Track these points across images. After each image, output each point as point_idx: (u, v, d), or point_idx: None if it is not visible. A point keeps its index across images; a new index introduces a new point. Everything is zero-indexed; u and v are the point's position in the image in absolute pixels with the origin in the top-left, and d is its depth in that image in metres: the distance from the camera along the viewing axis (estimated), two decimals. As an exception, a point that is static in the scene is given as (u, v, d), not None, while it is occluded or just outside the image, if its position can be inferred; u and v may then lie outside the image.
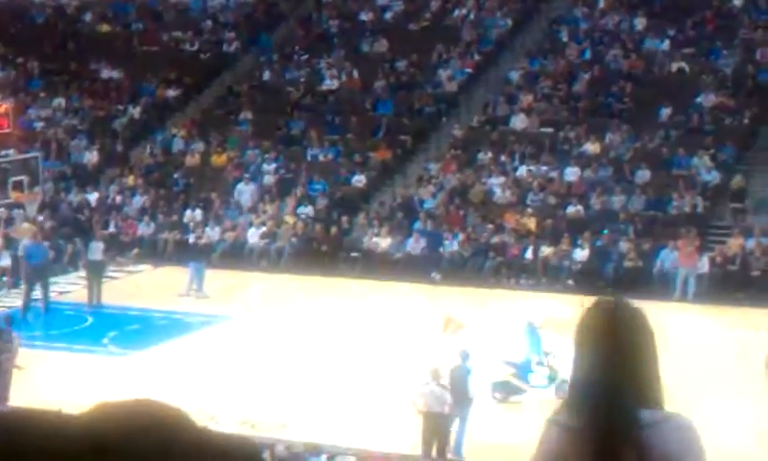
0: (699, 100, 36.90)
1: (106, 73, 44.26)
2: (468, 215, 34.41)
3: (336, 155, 38.20)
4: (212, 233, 34.94)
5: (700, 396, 21.24)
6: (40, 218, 34.59)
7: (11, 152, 35.76)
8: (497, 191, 35.13)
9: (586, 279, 31.36)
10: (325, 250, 34.15)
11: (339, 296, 30.51)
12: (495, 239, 33.12)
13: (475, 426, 20.61)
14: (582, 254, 32.05)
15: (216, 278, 31.15)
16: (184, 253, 33.48)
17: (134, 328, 27.91)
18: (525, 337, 22.91)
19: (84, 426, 1.27)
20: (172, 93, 42.96)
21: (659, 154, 35.40)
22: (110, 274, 32.10)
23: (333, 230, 34.68)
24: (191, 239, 31.18)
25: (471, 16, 43.15)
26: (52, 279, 30.50)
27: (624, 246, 31.96)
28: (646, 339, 3.26)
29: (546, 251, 32.32)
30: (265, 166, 37.86)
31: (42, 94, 43.38)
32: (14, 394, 21.42)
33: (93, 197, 37.84)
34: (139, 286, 32.24)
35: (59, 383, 22.79)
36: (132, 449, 1.22)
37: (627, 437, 3.08)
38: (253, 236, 34.83)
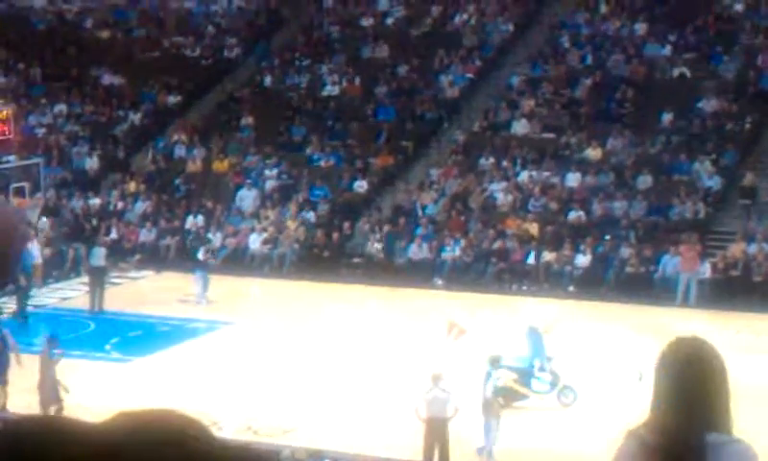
0: (700, 105, 36.90)
1: (107, 79, 44.28)
2: (469, 221, 34.41)
3: (337, 160, 38.19)
4: (214, 240, 34.93)
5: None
6: (44, 221, 34.50)
7: (12, 158, 35.82)
8: (499, 197, 35.12)
9: (587, 285, 31.37)
10: (327, 255, 34.15)
11: (341, 301, 30.50)
12: (497, 245, 33.11)
13: (477, 432, 20.60)
14: (583, 259, 32.04)
15: (218, 284, 31.11)
16: (189, 261, 33.37)
17: (137, 334, 27.91)
18: (527, 343, 22.89)
19: (104, 436, 1.26)
20: (173, 99, 42.97)
21: (660, 159, 35.39)
22: (112, 280, 32.09)
23: (335, 235, 34.69)
24: (200, 255, 31.14)
25: (473, 22, 43.15)
26: (56, 285, 30.58)
27: (626, 251, 31.95)
28: (721, 374, 3.65)
29: (548, 256, 32.31)
30: (266, 172, 37.86)
31: (44, 100, 43.39)
32: (17, 399, 21.42)
33: (95, 203, 37.84)
34: (141, 292, 32.23)
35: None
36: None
37: (694, 457, 3.51)
38: (255, 242, 34.83)
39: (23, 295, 29.09)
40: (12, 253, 1.29)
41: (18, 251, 1.28)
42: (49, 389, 20.98)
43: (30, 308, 29.26)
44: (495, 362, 20.13)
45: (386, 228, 34.29)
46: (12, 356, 21.78)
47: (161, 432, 1.24)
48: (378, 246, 33.73)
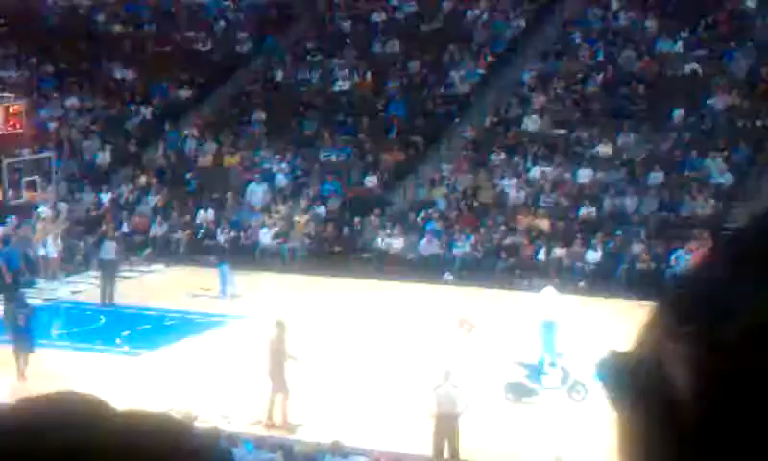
0: (712, 102, 36.83)
1: (118, 73, 44.33)
2: (480, 216, 34.39)
3: (348, 155, 38.20)
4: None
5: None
6: (62, 210, 34.59)
7: (24, 152, 35.86)
8: (510, 192, 35.10)
9: (598, 281, 31.34)
10: (338, 250, 34.16)
11: (351, 296, 30.51)
12: (508, 240, 33.10)
13: (488, 428, 20.62)
14: (594, 255, 32.01)
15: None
16: (211, 254, 33.42)
17: (147, 328, 27.96)
18: (538, 338, 22.88)
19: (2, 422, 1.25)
20: (184, 93, 43.01)
21: (671, 155, 35.33)
22: (123, 273, 32.15)
23: (345, 230, 34.70)
24: (221, 240, 31.42)
25: (484, 17, 43.11)
26: (68, 279, 30.73)
27: (637, 248, 31.91)
28: None
29: (559, 252, 32.28)
30: (277, 167, 37.87)
31: (55, 94, 43.46)
32: (23, 393, 21.47)
33: (106, 197, 37.92)
34: (152, 286, 32.27)
35: (71, 383, 22.80)
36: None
37: None
38: (266, 237, 34.86)
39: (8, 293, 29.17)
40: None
41: None
42: None
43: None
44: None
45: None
46: None
47: (57, 415, 1.23)
48: (390, 240, 33.69)
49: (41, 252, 32.75)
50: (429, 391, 19.61)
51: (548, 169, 35.63)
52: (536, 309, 23.87)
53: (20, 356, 24.07)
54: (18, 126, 36.52)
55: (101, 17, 47.76)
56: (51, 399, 1.27)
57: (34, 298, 29.63)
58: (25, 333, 24.22)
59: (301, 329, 27.11)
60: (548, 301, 24.08)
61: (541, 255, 32.38)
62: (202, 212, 36.29)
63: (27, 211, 34.49)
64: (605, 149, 35.87)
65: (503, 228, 33.55)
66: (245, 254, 34.21)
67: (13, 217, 34.40)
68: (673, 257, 31.10)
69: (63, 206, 36.04)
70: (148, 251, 34.94)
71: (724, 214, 33.20)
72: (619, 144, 36.07)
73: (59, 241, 33.30)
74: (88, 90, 43.56)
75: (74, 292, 31.54)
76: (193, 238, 35.54)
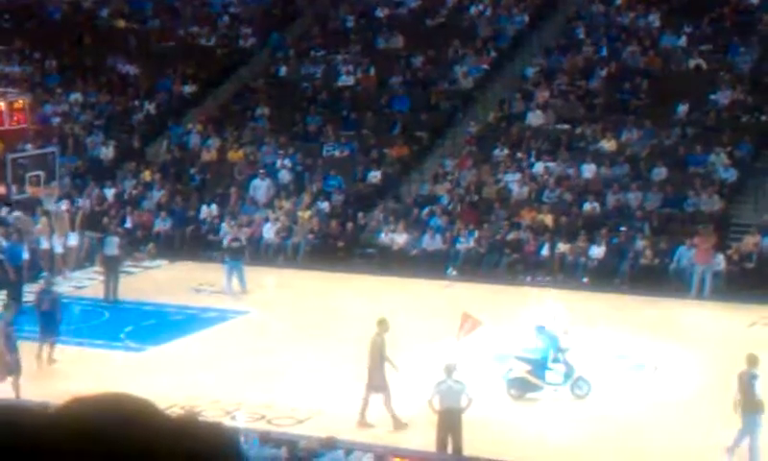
0: (716, 97, 36.80)
1: (122, 68, 44.36)
2: (484, 212, 34.38)
3: (352, 151, 38.20)
4: (227, 230, 34.97)
5: (718, 391, 21.20)
6: (64, 208, 34.59)
7: (28, 147, 35.88)
8: (513, 188, 35.09)
9: (602, 277, 31.33)
10: (341, 246, 34.18)
11: (354, 292, 30.51)
12: (511, 236, 33.09)
13: (491, 423, 20.63)
14: (598, 251, 32.00)
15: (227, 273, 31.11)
16: (215, 251, 33.38)
17: (151, 323, 27.97)
18: (541, 334, 22.86)
19: (55, 422, 1.26)
20: (188, 89, 43.04)
21: (675, 151, 35.30)
22: (127, 269, 32.17)
23: (349, 226, 34.70)
24: (225, 242, 31.46)
25: (488, 13, 43.10)
26: (70, 275, 30.76)
27: (640, 243, 31.89)
28: None
29: (562, 247, 32.27)
30: (281, 162, 37.88)
31: (59, 90, 43.50)
32: (30, 387, 21.51)
33: (110, 192, 37.94)
34: (156, 281, 32.29)
35: (75, 378, 22.84)
36: (106, 443, 1.20)
37: None
38: (269, 232, 34.87)
39: (13, 289, 29.21)
40: None
41: None
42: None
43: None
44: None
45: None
46: None
47: (114, 416, 1.23)
48: (393, 236, 33.69)
49: (44, 245, 32.72)
50: (432, 386, 19.61)
51: (552, 164, 35.62)
52: (534, 311, 23.91)
53: (44, 343, 24.19)
54: (22, 121, 36.58)
55: (105, 12, 47.79)
56: (103, 399, 1.28)
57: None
58: (48, 319, 24.34)
59: (305, 325, 27.15)
60: (547, 303, 24.18)
61: (545, 251, 32.37)
62: (205, 207, 36.31)
63: (31, 207, 34.50)
64: (609, 144, 35.86)
65: (507, 223, 33.54)
66: (248, 250, 34.21)
67: (5, 209, 34.45)
68: (677, 253, 31.11)
69: (82, 202, 36.14)
70: (151, 246, 34.93)
71: (728, 210, 33.20)
72: (623, 139, 36.05)
73: (74, 235, 33.34)
74: (92, 86, 43.59)
75: (78, 288, 31.53)
76: (197, 234, 35.56)
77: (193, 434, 1.21)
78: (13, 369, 22.05)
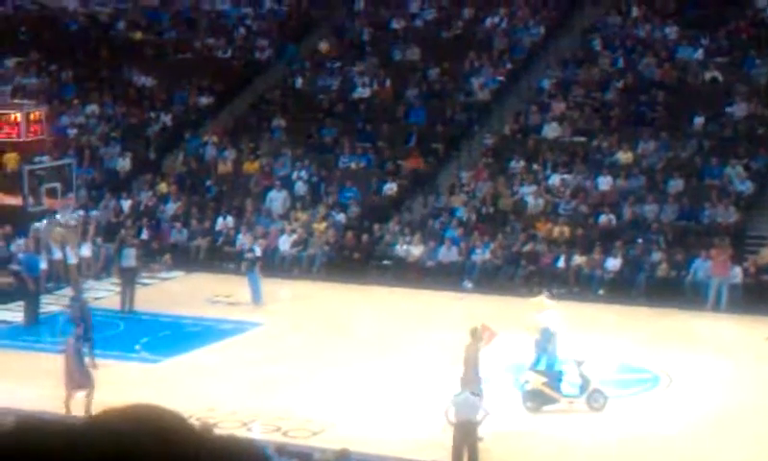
0: (732, 109, 36.73)
1: (139, 80, 44.46)
2: (499, 224, 34.35)
3: (368, 163, 38.21)
4: (244, 241, 35.02)
5: (737, 404, 21.13)
6: (75, 219, 34.68)
7: (44, 158, 35.98)
8: (529, 200, 35.06)
9: (618, 289, 31.27)
10: (357, 258, 34.17)
11: (370, 304, 30.51)
12: (527, 248, 33.06)
13: (507, 435, 20.58)
14: (614, 263, 31.93)
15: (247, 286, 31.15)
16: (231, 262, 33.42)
17: (167, 335, 28.01)
18: (557, 346, 22.83)
19: (87, 433, 1.25)
20: (204, 100, 43.11)
21: (691, 163, 35.24)
22: (143, 280, 32.22)
23: (365, 237, 34.70)
24: (246, 255, 31.60)
25: (504, 25, 43.09)
26: (87, 285, 30.80)
27: (656, 256, 31.84)
28: None
29: (578, 260, 32.22)
30: (296, 174, 37.91)
31: (76, 101, 43.60)
32: (45, 399, 21.54)
33: (126, 204, 38.02)
34: (172, 293, 32.34)
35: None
36: (134, 456, 1.20)
37: None
38: (285, 244, 34.89)
39: (31, 299, 29.31)
40: None
41: None
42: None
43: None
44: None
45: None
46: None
47: (145, 428, 1.23)
48: (409, 248, 33.66)
49: (57, 255, 32.80)
50: (449, 399, 19.59)
51: (568, 176, 35.58)
52: (531, 318, 23.91)
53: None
54: (39, 133, 36.68)
55: (121, 24, 47.93)
56: (135, 411, 1.28)
57: (52, 304, 29.84)
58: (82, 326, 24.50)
59: (320, 336, 27.16)
60: (542, 308, 24.17)
61: (561, 263, 32.33)
62: (221, 219, 36.36)
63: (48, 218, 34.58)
64: (625, 156, 35.80)
65: (522, 235, 33.51)
66: (264, 262, 34.25)
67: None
68: (693, 266, 31.04)
69: (95, 213, 36.22)
70: (167, 258, 34.98)
71: (744, 222, 33.11)
72: (639, 151, 35.99)
73: (87, 245, 33.45)
74: (109, 97, 43.70)
75: (94, 299, 31.59)
76: (212, 245, 35.63)
77: (232, 455, 1.21)
78: (84, 383, 22.00)
